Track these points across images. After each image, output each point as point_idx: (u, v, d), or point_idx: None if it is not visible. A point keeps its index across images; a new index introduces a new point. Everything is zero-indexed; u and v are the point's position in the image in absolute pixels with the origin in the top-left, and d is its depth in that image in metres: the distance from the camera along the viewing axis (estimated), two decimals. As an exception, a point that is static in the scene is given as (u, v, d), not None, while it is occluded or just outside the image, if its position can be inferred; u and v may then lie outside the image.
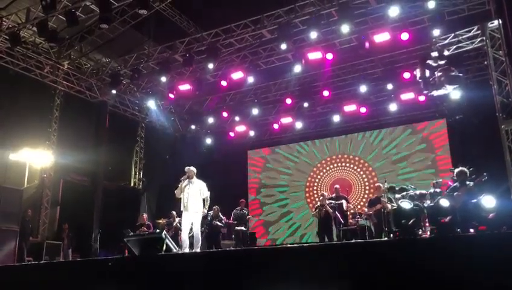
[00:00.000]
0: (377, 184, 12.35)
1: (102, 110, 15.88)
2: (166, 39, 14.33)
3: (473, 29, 12.37)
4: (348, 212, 12.32)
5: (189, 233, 9.34)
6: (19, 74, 13.94)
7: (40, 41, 13.81)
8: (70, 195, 15.20)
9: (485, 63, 12.50)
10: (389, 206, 10.11)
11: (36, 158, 14.66)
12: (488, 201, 7.05)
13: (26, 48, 13.81)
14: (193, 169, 9.20)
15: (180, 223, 10.88)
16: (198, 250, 8.97)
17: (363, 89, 15.16)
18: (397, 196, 10.50)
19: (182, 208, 9.09)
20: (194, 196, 9.02)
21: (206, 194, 9.18)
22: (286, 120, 17.48)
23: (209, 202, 9.34)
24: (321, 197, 12.03)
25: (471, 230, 6.91)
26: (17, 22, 12.66)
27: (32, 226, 13.59)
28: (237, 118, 17.73)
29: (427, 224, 8.93)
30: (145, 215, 13.69)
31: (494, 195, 7.19)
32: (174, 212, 12.63)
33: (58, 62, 14.68)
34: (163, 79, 14.43)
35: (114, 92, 15.21)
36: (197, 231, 9.13)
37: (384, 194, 10.75)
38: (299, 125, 17.57)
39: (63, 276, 7.77)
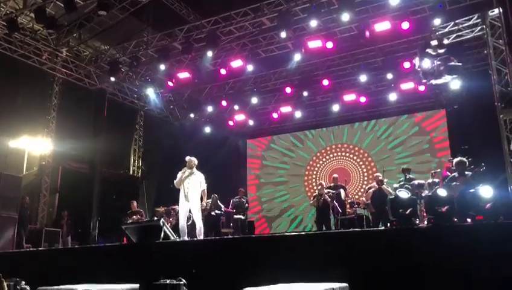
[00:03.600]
0: (375, 174, 12.39)
1: (101, 97, 15.86)
2: (165, 27, 14.23)
3: (473, 17, 12.27)
4: (347, 201, 12.36)
5: (188, 222, 9.32)
6: (17, 61, 13.86)
7: (39, 28, 13.70)
8: (69, 182, 15.18)
9: (485, 52, 12.43)
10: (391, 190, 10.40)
11: (35, 145, 14.67)
12: (486, 191, 7.05)
13: (24, 35, 13.70)
14: (194, 159, 8.94)
15: None
16: (201, 237, 8.92)
17: (363, 78, 15.13)
18: (395, 185, 10.57)
19: (181, 198, 8.86)
20: (194, 187, 8.79)
21: (204, 186, 8.94)
22: (285, 109, 17.45)
23: (206, 195, 9.26)
24: (319, 187, 12.05)
25: (469, 220, 6.93)
26: (14, 8, 12.54)
27: (31, 213, 13.61)
28: (236, 107, 17.68)
29: (425, 214, 8.97)
30: (135, 203, 13.42)
31: (492, 185, 7.20)
32: None
33: (57, 49, 14.57)
34: (162, 67, 14.35)
35: (113, 79, 15.15)
36: (198, 220, 8.93)
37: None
38: (298, 114, 17.55)
39: (62, 263, 7.84)
